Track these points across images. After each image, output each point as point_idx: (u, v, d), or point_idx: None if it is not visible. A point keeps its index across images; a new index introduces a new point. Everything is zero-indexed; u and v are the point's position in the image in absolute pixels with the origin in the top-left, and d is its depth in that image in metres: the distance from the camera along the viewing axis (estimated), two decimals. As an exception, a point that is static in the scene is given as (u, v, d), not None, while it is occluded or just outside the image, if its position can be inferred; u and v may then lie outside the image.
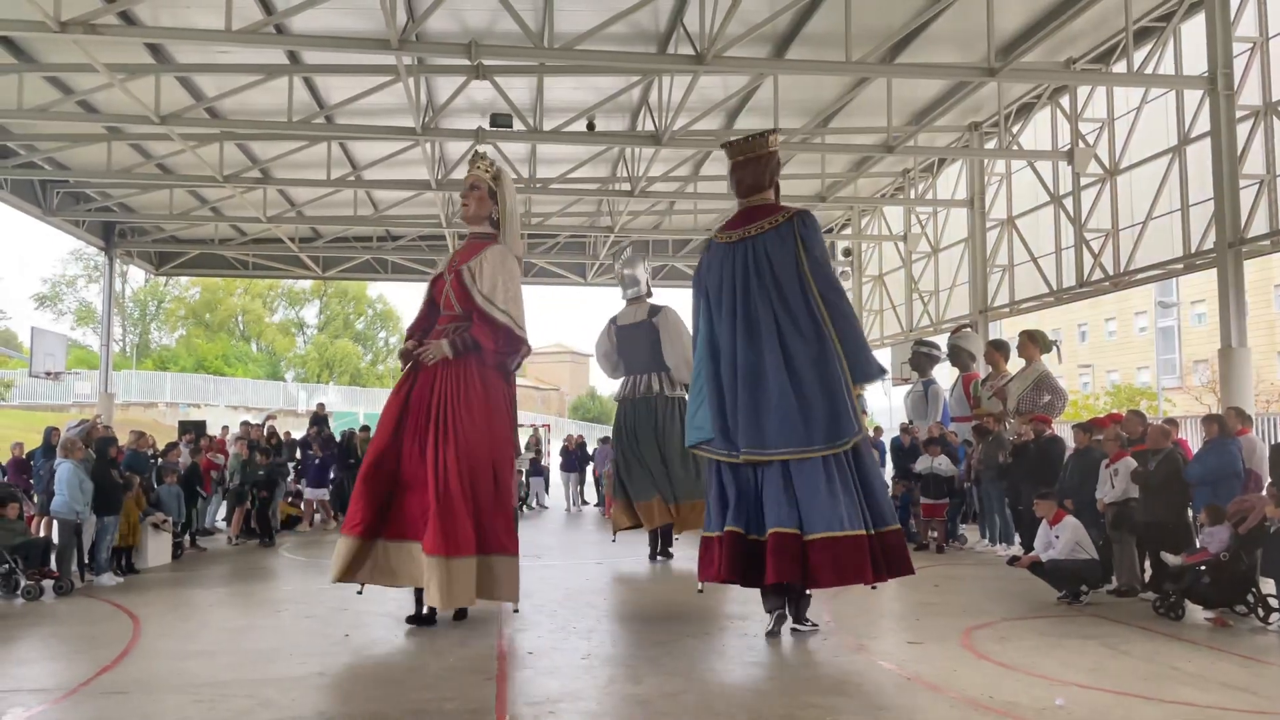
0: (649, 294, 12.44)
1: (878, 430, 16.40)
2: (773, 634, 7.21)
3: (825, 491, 6.88)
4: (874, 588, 7.25)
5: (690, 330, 10.12)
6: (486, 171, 8.08)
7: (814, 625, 7.47)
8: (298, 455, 17.33)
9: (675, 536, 12.08)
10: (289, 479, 16.47)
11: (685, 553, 11.58)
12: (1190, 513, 9.16)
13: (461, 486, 7.32)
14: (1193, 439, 12.88)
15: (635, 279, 12.34)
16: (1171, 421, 10.43)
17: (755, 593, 7.64)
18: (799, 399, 7.06)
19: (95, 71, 12.87)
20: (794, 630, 7.33)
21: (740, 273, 7.47)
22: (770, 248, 7.42)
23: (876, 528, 7.03)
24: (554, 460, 23.46)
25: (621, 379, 12.38)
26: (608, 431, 21.06)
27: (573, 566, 11.55)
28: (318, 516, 16.52)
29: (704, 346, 7.62)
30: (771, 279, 7.34)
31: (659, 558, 11.87)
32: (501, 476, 7.64)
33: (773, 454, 7.03)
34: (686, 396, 10.52)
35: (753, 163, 7.79)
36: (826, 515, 6.84)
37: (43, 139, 17.29)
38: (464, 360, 7.66)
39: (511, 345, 7.79)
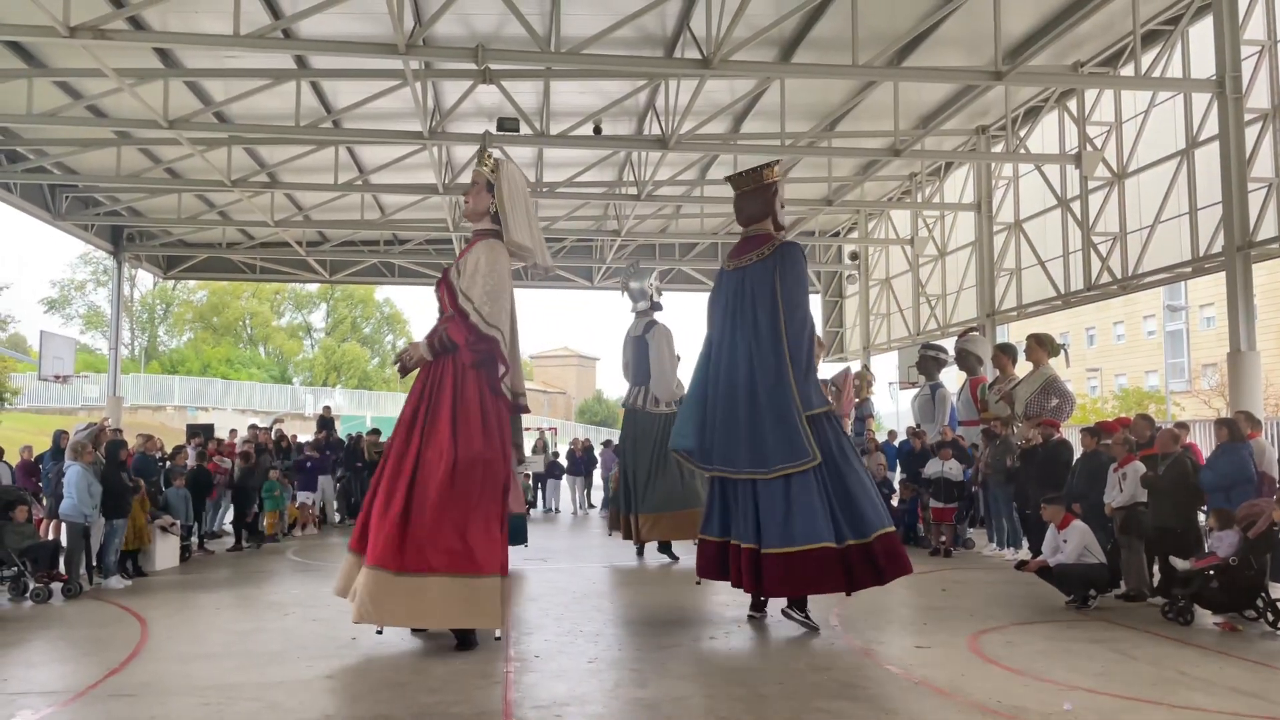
0: (654, 307, 12.79)
1: (891, 435, 16.37)
2: (751, 616, 8.17)
3: (782, 510, 7.51)
4: (848, 594, 7.69)
5: (671, 353, 12.04)
6: (485, 164, 7.67)
7: (809, 621, 7.79)
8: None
9: (637, 545, 12.48)
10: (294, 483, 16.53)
11: (689, 555, 11.58)
12: (1201, 517, 9.12)
13: (401, 498, 6.90)
14: (1203, 443, 12.83)
15: (642, 292, 12.79)
16: (1183, 425, 10.38)
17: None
18: (757, 424, 7.79)
19: (104, 76, 12.93)
20: (784, 613, 7.94)
21: (732, 301, 8.18)
22: (756, 278, 8.08)
23: (860, 537, 7.52)
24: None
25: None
26: (613, 435, 21.08)
27: (579, 570, 11.55)
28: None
29: (700, 366, 8.36)
30: (751, 308, 8.02)
31: (666, 558, 12.23)
32: (462, 490, 6.94)
33: (738, 474, 7.82)
34: (667, 411, 11.93)
35: (751, 194, 8.46)
36: (780, 532, 7.48)
37: (52, 143, 17.37)
38: (442, 363, 7.30)
39: (480, 341, 7.19)
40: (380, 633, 7.05)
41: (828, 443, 7.73)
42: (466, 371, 7.24)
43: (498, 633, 7.17)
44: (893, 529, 7.78)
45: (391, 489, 7.01)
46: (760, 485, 7.66)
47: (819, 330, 28.17)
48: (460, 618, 6.86)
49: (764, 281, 8.00)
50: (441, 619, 6.88)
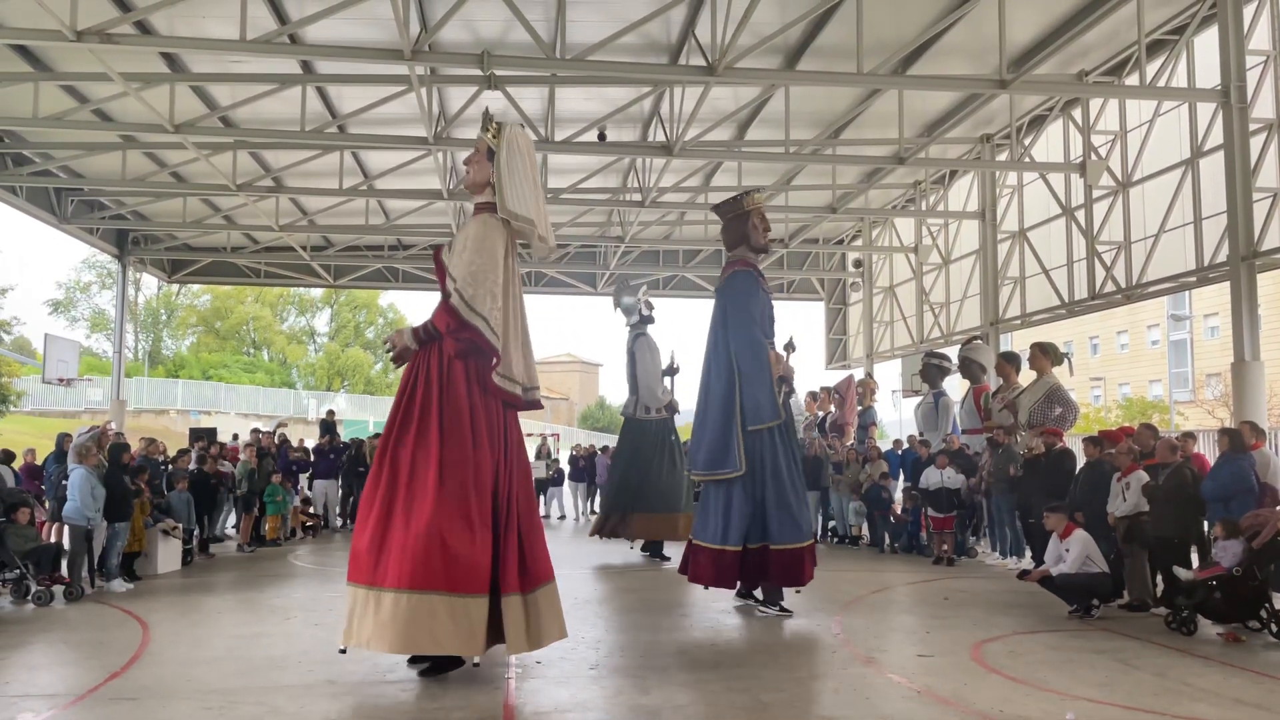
0: (644, 321, 13.50)
1: (896, 444, 16.37)
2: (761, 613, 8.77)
3: (707, 509, 8.73)
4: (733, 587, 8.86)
5: (653, 362, 12.99)
6: (487, 130, 6.79)
7: (781, 610, 8.65)
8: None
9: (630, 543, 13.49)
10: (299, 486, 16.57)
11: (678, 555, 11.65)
12: (1206, 526, 9.09)
13: (383, 507, 6.26)
14: (1210, 453, 12.78)
15: (631, 307, 13.56)
16: (1189, 435, 10.35)
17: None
18: (705, 433, 8.76)
19: (110, 80, 12.96)
20: (758, 612, 8.75)
21: (711, 322, 9.13)
22: (717, 301, 9.13)
23: (764, 542, 8.54)
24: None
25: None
26: (614, 441, 21.13)
27: (581, 576, 11.53)
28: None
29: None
30: (713, 327, 9.02)
31: (652, 558, 13.07)
32: (451, 497, 6.14)
33: (694, 475, 9.12)
34: (657, 417, 13.06)
35: (729, 223, 9.29)
36: (696, 527, 8.90)
37: (58, 147, 17.42)
38: (429, 354, 6.50)
39: (463, 329, 6.33)
40: (344, 651, 6.38)
41: (761, 456, 8.56)
42: (453, 363, 6.42)
43: (476, 659, 6.28)
44: (798, 545, 8.55)
45: (372, 499, 6.34)
46: (707, 485, 8.84)
47: (823, 338, 28.39)
48: (432, 642, 5.98)
49: (720, 304, 9.05)
50: (412, 642, 5.98)
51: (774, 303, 9.44)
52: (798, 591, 9.03)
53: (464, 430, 6.29)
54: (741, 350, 8.70)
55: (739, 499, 8.50)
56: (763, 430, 8.54)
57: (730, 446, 8.53)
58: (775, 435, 8.66)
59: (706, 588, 9.01)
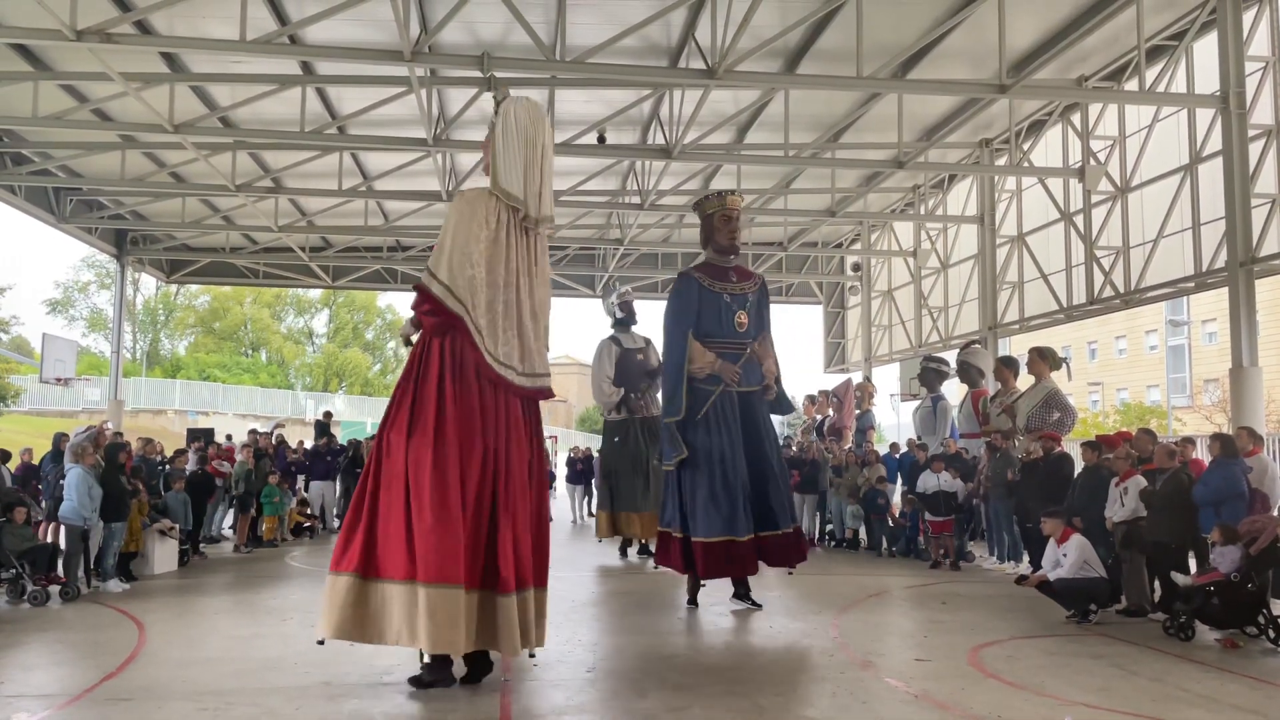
0: (618, 324, 13.76)
1: (894, 447, 16.37)
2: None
3: (664, 495, 9.32)
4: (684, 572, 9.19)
5: (599, 363, 13.46)
6: (495, 112, 6.52)
7: (752, 604, 9.09)
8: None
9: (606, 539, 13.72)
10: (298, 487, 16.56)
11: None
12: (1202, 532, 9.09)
13: (369, 498, 6.07)
14: (1208, 459, 12.79)
15: (609, 311, 13.91)
16: (1189, 440, 10.34)
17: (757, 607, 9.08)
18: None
19: (110, 80, 12.95)
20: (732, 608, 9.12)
21: None
22: None
23: (685, 533, 8.88)
24: (560, 471, 23.35)
25: None
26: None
27: (578, 579, 11.52)
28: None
29: None
30: None
31: (639, 556, 13.33)
32: (414, 486, 5.90)
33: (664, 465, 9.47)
34: (615, 418, 13.35)
35: (701, 223, 9.56)
36: (660, 512, 9.45)
37: (57, 146, 17.40)
38: (419, 341, 6.38)
39: (424, 300, 6.13)
40: (321, 643, 6.09)
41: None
42: (430, 346, 6.17)
43: (423, 659, 6.12)
44: (710, 540, 8.66)
45: (362, 489, 6.14)
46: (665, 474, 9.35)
47: (822, 341, 28.42)
48: (410, 635, 5.76)
49: None
50: (395, 635, 5.82)
51: (749, 298, 9.23)
52: (693, 591, 9.23)
53: (427, 417, 5.98)
54: (666, 352, 9.42)
55: (673, 488, 9.04)
56: (680, 423, 8.92)
57: (669, 438, 9.06)
58: (698, 430, 8.85)
59: (657, 566, 9.75)
